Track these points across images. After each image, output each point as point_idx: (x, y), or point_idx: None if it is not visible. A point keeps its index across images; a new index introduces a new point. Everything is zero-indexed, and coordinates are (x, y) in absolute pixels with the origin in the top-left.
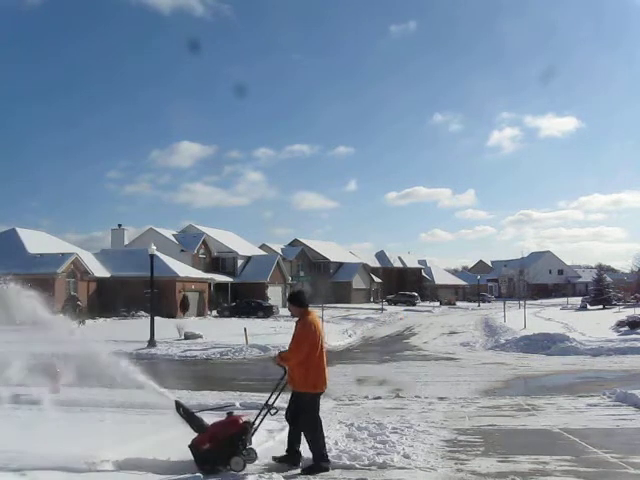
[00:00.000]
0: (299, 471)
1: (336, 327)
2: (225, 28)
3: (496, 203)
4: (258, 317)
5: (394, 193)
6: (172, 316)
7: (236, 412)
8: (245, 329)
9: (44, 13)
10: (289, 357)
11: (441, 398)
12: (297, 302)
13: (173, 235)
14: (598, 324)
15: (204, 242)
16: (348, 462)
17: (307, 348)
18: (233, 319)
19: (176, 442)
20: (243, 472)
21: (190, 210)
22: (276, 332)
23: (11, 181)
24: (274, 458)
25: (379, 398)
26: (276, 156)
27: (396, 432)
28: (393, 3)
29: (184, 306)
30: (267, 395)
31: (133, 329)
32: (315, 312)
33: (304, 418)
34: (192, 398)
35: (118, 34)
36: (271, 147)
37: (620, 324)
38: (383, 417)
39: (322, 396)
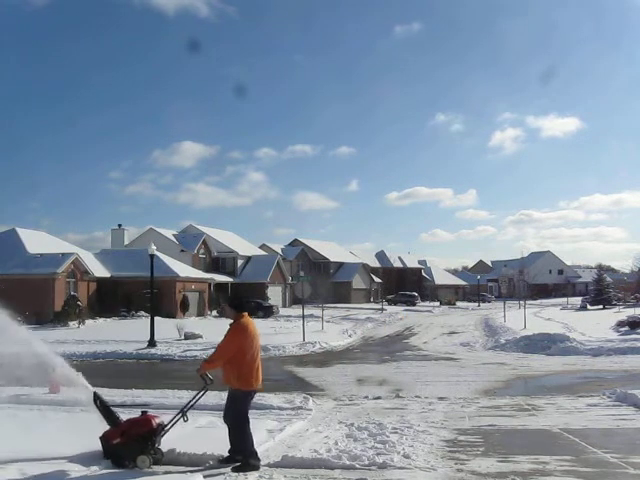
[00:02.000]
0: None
1: (336, 327)
2: (227, 28)
3: (497, 203)
4: (258, 317)
5: (395, 193)
6: (172, 316)
7: (150, 412)
8: None
9: (47, 13)
10: (214, 358)
11: (441, 398)
12: (234, 306)
13: (173, 235)
14: (598, 324)
15: (204, 242)
16: (348, 462)
17: (233, 349)
18: None
19: (176, 442)
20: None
21: (191, 210)
22: (276, 332)
23: (12, 181)
24: (220, 460)
25: (379, 398)
26: (278, 156)
27: (396, 432)
28: (395, 4)
29: (184, 306)
30: (267, 395)
31: (133, 329)
32: (249, 317)
33: (231, 414)
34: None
35: (121, 35)
36: (273, 147)
37: (620, 324)
38: (383, 417)
39: (322, 396)
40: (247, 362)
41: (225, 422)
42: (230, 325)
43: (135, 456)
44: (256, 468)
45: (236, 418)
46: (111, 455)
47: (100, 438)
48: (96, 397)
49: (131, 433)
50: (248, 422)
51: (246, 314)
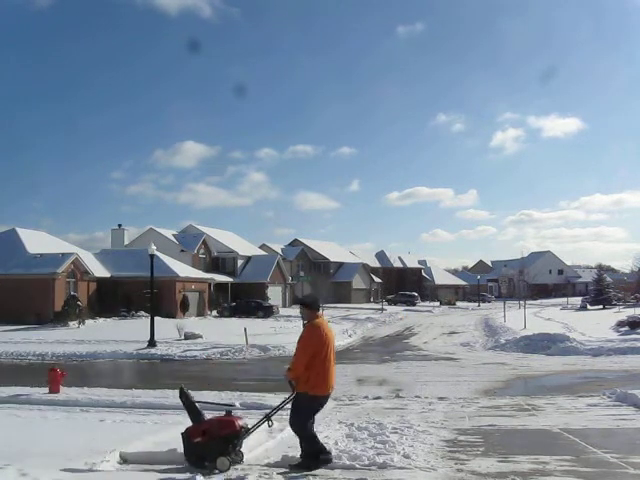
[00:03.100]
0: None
1: (336, 327)
2: (229, 29)
3: (497, 203)
4: (258, 317)
5: (396, 193)
6: (172, 316)
7: (235, 412)
8: (245, 329)
9: (50, 14)
10: (295, 366)
11: (441, 398)
12: (307, 305)
13: (173, 235)
14: (598, 324)
15: (204, 242)
16: (348, 462)
17: (311, 352)
18: (233, 319)
19: (176, 442)
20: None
21: (192, 210)
22: (276, 332)
23: (13, 181)
24: (290, 466)
25: (379, 398)
26: (279, 156)
27: (396, 432)
28: (395, 4)
29: (184, 306)
30: (267, 395)
31: (133, 329)
32: (323, 316)
33: (293, 417)
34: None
35: (123, 35)
36: (274, 148)
37: (620, 324)
38: (383, 417)
39: None
40: (318, 365)
41: (291, 428)
42: (304, 326)
43: (215, 457)
44: (309, 469)
45: (297, 424)
46: (190, 453)
47: (182, 434)
48: (182, 392)
49: (213, 433)
50: (312, 425)
51: (320, 313)
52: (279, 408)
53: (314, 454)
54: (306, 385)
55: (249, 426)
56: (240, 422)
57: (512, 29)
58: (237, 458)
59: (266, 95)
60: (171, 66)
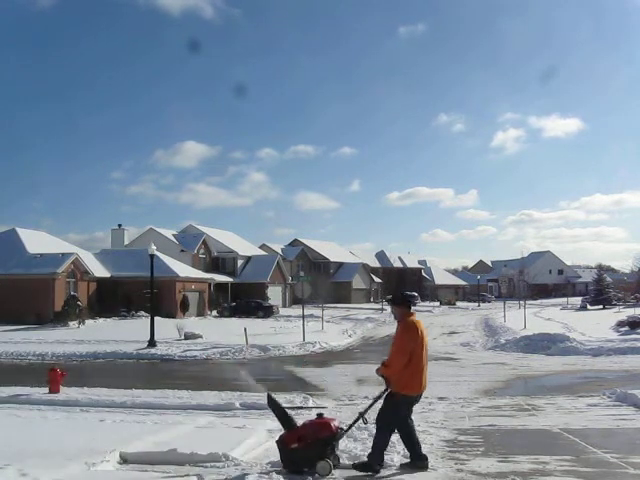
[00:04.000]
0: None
1: (336, 327)
2: (230, 29)
3: (498, 203)
4: (258, 317)
5: (396, 193)
6: (172, 316)
7: (327, 414)
8: (245, 329)
9: (52, 14)
10: (393, 365)
11: (441, 398)
12: (400, 303)
13: (173, 235)
14: (598, 324)
15: (204, 242)
16: (348, 462)
17: (409, 351)
18: (233, 319)
19: (176, 442)
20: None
21: (193, 211)
22: (276, 332)
23: (13, 181)
24: (401, 465)
25: (379, 398)
26: (279, 157)
27: (396, 432)
28: (395, 4)
29: (184, 306)
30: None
31: (133, 329)
32: (416, 314)
33: (382, 414)
34: (192, 398)
35: (124, 35)
36: (275, 148)
37: (620, 324)
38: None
39: (322, 396)
40: (412, 364)
41: (376, 424)
42: (398, 324)
43: (314, 462)
44: (375, 471)
45: (390, 423)
46: (288, 460)
47: (277, 442)
48: (270, 399)
49: (310, 437)
50: (401, 428)
51: (413, 311)
52: (372, 405)
53: (380, 459)
54: (399, 384)
55: (343, 426)
56: (335, 423)
57: (513, 29)
58: (334, 461)
59: (267, 95)
60: (172, 66)
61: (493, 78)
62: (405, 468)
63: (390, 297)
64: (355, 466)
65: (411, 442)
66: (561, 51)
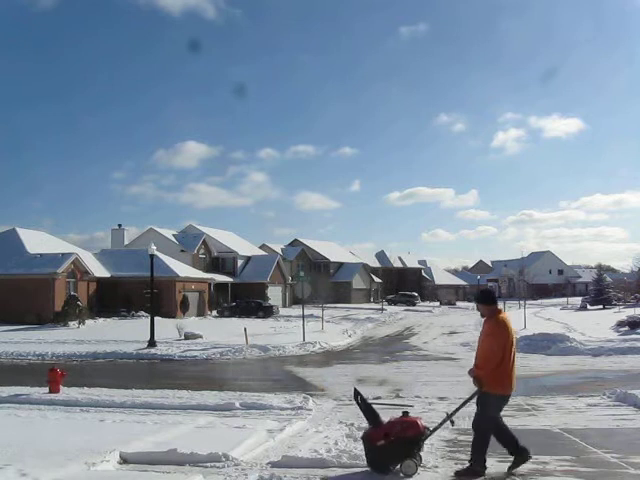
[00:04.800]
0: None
1: (336, 327)
2: (231, 29)
3: (498, 203)
4: (258, 317)
5: (397, 193)
6: (172, 316)
7: (411, 413)
8: (245, 329)
9: (53, 14)
10: (485, 364)
11: (441, 398)
12: (487, 301)
13: (173, 235)
14: (598, 324)
15: (204, 242)
16: (348, 462)
17: (501, 350)
18: (233, 319)
19: (176, 442)
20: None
21: (193, 211)
22: (276, 332)
23: (13, 181)
24: (456, 472)
25: (379, 398)
26: (280, 157)
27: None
28: (396, 4)
29: (184, 306)
30: (267, 395)
31: (133, 329)
32: (505, 311)
33: (478, 417)
34: (192, 398)
35: (125, 35)
36: (275, 148)
37: (620, 324)
38: (383, 417)
39: (322, 396)
40: (503, 362)
41: (472, 427)
42: (485, 322)
43: (400, 460)
44: (479, 474)
45: (485, 424)
46: (373, 457)
47: (362, 438)
48: (357, 394)
49: (397, 435)
50: (495, 429)
51: (501, 308)
52: (461, 407)
53: (482, 461)
54: (491, 384)
55: (429, 426)
56: (422, 422)
57: (513, 29)
58: (419, 461)
59: (268, 95)
60: (173, 66)
61: (494, 78)
62: (512, 468)
63: (477, 295)
64: (458, 473)
65: (506, 440)
66: (561, 51)
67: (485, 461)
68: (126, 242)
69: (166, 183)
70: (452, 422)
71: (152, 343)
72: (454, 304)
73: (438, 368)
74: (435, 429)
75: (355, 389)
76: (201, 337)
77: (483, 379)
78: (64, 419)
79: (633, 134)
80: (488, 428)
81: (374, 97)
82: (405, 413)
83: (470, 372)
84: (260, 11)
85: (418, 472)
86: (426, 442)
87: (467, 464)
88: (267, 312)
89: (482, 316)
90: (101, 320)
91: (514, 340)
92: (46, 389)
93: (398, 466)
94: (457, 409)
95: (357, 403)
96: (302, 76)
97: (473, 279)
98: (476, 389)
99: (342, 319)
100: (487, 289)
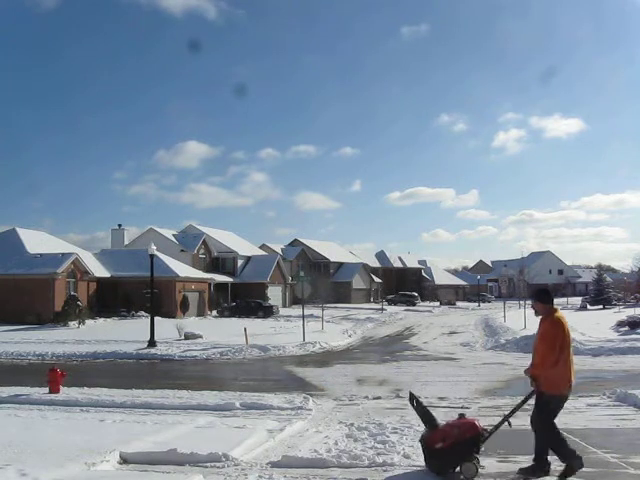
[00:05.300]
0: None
1: (336, 327)
2: (232, 29)
3: (498, 203)
4: (258, 317)
5: (397, 193)
6: (172, 316)
7: (468, 415)
8: (245, 329)
9: (55, 15)
10: (542, 363)
11: (441, 398)
12: (543, 299)
13: (173, 235)
14: (598, 324)
15: (204, 242)
16: (348, 462)
17: (559, 348)
18: (233, 319)
19: (176, 442)
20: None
21: (194, 210)
22: (276, 332)
23: (13, 181)
24: (520, 470)
25: (379, 398)
26: (281, 157)
27: (396, 432)
28: (397, 5)
29: (184, 306)
30: (267, 395)
31: (133, 329)
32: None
33: (537, 418)
34: (192, 398)
35: (126, 35)
36: (276, 148)
37: (620, 324)
38: (383, 417)
39: (322, 396)
40: (560, 361)
41: (532, 428)
42: (541, 322)
43: (459, 463)
44: (580, 466)
45: (544, 425)
46: (432, 460)
47: (420, 441)
48: (412, 397)
49: (455, 437)
50: (556, 429)
51: (557, 307)
52: (519, 407)
53: (572, 455)
54: (549, 383)
55: (487, 428)
56: (480, 424)
57: (514, 30)
58: (480, 463)
59: (268, 95)
60: (174, 66)
61: (494, 78)
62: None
63: (534, 293)
64: (521, 470)
65: (564, 441)
66: (562, 51)
67: (575, 452)
68: (126, 242)
69: (167, 183)
70: (509, 423)
71: (152, 343)
72: (454, 304)
73: (438, 368)
74: (493, 431)
75: (410, 393)
76: (201, 337)
77: (539, 379)
78: (64, 419)
79: (633, 134)
80: (548, 427)
81: (375, 97)
82: (461, 415)
83: (526, 372)
84: (261, 11)
85: (478, 475)
86: None
87: (564, 466)
88: (267, 312)
89: (536, 314)
90: (101, 320)
91: (570, 339)
92: (46, 389)
93: (457, 469)
94: (514, 410)
95: (412, 406)
96: (303, 76)
97: (473, 279)
98: (532, 389)
99: (342, 319)
100: (544, 288)
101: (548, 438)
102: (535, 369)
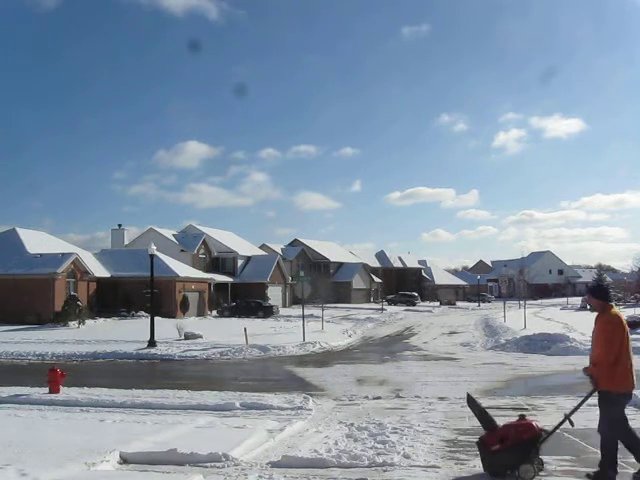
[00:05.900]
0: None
1: (336, 327)
2: (233, 29)
3: (498, 203)
4: (258, 317)
5: (397, 193)
6: (172, 316)
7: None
8: (245, 329)
9: (56, 15)
10: (602, 361)
11: (441, 398)
12: (600, 296)
13: (173, 235)
14: None
15: (204, 242)
16: (348, 462)
17: (618, 344)
18: (233, 319)
19: (176, 442)
20: None
21: (194, 210)
22: (276, 332)
23: (13, 181)
24: (588, 475)
25: (379, 398)
26: (281, 157)
27: (396, 432)
28: (398, 5)
29: (184, 306)
30: (267, 395)
31: (133, 329)
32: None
33: (603, 419)
34: (192, 398)
35: (127, 35)
36: (276, 148)
37: None
38: (383, 417)
39: (322, 396)
40: (623, 359)
41: (598, 431)
42: (598, 319)
43: (517, 465)
44: (610, 478)
45: (611, 425)
46: (489, 463)
47: (477, 443)
48: (470, 399)
49: (512, 439)
50: (623, 429)
51: (613, 304)
52: (579, 407)
53: (613, 464)
54: (612, 382)
55: (545, 428)
56: (539, 425)
57: (514, 30)
58: (540, 465)
59: (269, 95)
60: (174, 66)
61: (495, 78)
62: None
63: (590, 288)
64: (589, 476)
65: (630, 442)
66: (562, 51)
67: (617, 464)
68: (126, 242)
69: (167, 183)
70: (572, 423)
71: (152, 343)
72: (454, 304)
73: (438, 368)
74: (552, 431)
75: (468, 394)
76: (201, 337)
77: (599, 377)
78: (64, 419)
79: (633, 134)
80: (615, 430)
81: (375, 97)
82: (522, 416)
83: (585, 370)
84: (261, 11)
85: (536, 477)
86: (426, 442)
87: (597, 469)
88: (267, 312)
89: (591, 310)
90: (101, 320)
91: (629, 336)
92: (46, 389)
93: (516, 471)
94: (575, 409)
95: (470, 408)
96: (303, 76)
97: (473, 279)
98: (592, 388)
99: (342, 319)
100: (600, 284)
101: (607, 439)
102: (594, 367)
